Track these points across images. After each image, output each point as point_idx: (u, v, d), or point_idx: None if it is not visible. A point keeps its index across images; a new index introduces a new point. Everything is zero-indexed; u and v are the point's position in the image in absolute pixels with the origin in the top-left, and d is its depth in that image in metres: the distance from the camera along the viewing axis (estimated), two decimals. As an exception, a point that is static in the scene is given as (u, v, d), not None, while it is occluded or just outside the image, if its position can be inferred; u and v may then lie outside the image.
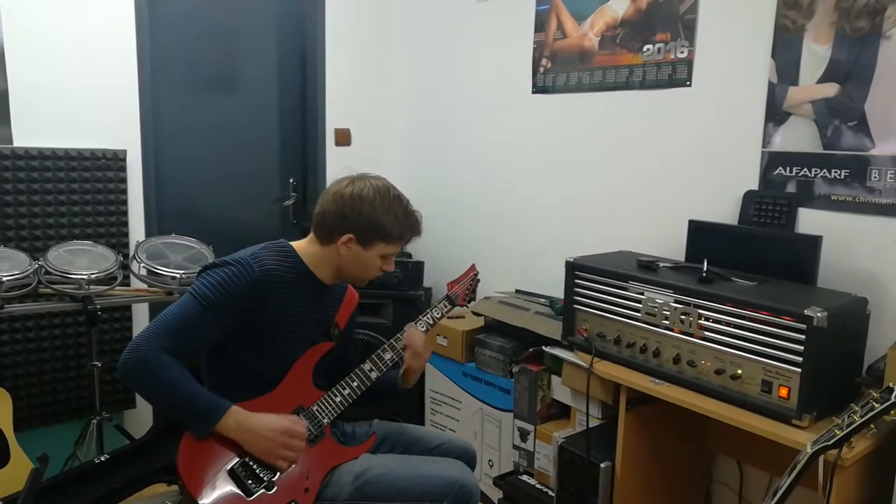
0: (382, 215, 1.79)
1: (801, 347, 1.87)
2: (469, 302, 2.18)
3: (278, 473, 1.71)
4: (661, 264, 2.39)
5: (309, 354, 1.84)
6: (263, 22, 3.58)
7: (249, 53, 3.54)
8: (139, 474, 2.15)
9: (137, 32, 3.04)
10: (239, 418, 1.67)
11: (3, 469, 2.43)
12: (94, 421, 2.65)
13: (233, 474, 1.67)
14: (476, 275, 2.19)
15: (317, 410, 1.82)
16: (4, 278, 2.39)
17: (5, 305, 2.43)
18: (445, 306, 2.06)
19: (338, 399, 1.85)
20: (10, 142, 2.77)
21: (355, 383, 1.87)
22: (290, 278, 1.79)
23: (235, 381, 1.78)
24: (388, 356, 1.92)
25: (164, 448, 2.15)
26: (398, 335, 1.97)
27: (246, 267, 1.72)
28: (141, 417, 3.18)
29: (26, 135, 2.80)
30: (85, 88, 2.93)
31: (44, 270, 2.50)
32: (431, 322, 2.02)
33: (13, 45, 2.74)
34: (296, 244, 1.87)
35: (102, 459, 2.22)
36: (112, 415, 2.80)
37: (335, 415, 1.84)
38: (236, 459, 1.69)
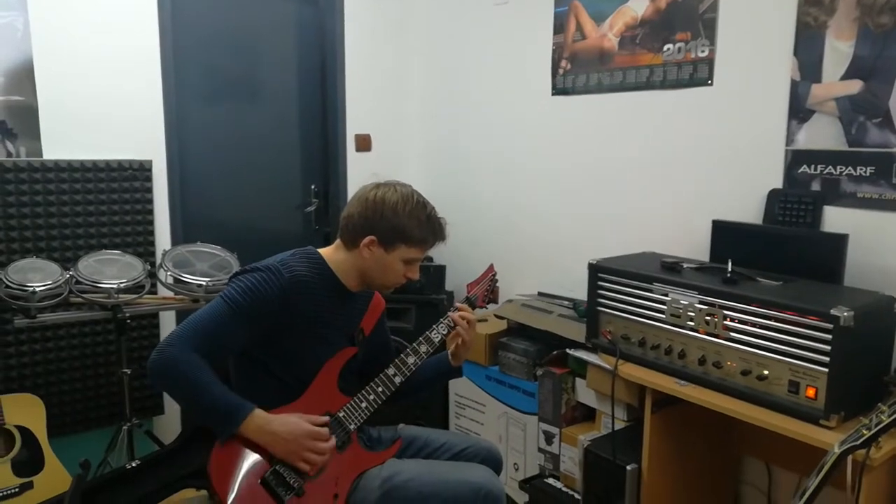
0: (405, 218, 1.81)
1: (828, 347, 1.85)
2: (488, 303, 2.19)
3: (308, 480, 1.73)
4: (685, 265, 2.38)
5: (334, 360, 1.86)
6: (284, 31, 3.62)
7: (270, 63, 3.58)
8: (169, 479, 2.18)
9: (161, 46, 3.09)
10: (260, 422, 1.69)
11: (38, 475, 2.49)
12: (125, 427, 2.70)
13: (263, 481, 1.69)
14: (494, 275, 2.19)
15: (343, 416, 1.84)
16: (38, 288, 2.44)
17: (38, 315, 2.49)
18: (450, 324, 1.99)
19: (363, 405, 1.86)
20: (40, 155, 2.84)
21: (380, 388, 1.89)
22: (317, 284, 1.82)
23: (263, 388, 1.81)
24: (411, 360, 1.92)
25: (194, 453, 2.18)
26: (444, 318, 1.97)
27: (276, 273, 1.75)
28: (170, 423, 3.23)
29: (55, 148, 2.86)
30: (111, 102, 2.99)
31: (74, 280, 2.56)
32: (452, 325, 2.00)
33: (42, 61, 2.80)
34: (323, 251, 1.89)
35: (133, 465, 2.26)
36: (142, 421, 2.85)
37: (361, 420, 1.86)
38: (267, 467, 1.71)
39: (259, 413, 1.70)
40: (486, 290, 2.17)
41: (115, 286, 2.58)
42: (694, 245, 2.60)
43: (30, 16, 2.76)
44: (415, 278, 1.92)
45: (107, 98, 2.97)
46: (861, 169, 2.23)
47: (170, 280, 2.73)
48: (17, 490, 2.43)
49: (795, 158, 2.39)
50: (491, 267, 2.22)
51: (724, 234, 2.47)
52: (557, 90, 3.19)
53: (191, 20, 3.26)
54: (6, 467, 2.44)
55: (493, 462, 2.02)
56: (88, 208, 2.93)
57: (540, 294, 3.18)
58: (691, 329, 2.18)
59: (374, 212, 1.81)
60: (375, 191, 1.84)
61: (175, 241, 3.17)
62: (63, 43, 2.85)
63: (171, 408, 3.21)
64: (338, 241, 1.89)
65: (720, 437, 2.45)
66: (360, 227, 1.82)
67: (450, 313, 1.98)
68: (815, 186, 2.34)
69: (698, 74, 2.63)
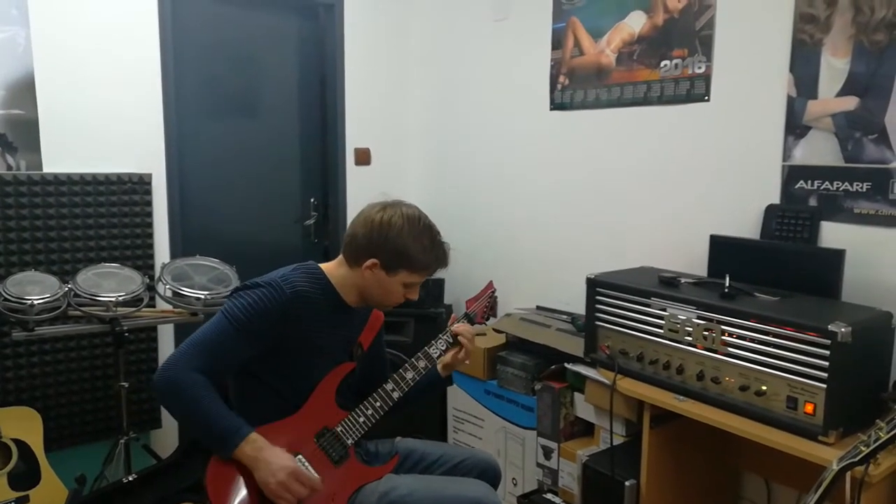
0: (409, 244, 1.80)
1: (826, 363, 1.85)
2: (487, 319, 2.19)
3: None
4: (683, 280, 2.38)
5: (332, 375, 1.86)
6: (284, 45, 3.64)
7: (270, 76, 3.60)
8: (166, 493, 2.18)
9: (162, 60, 3.11)
10: (256, 446, 1.67)
11: (34, 489, 2.48)
12: (122, 441, 2.69)
13: (260, 496, 1.69)
14: (493, 292, 2.20)
15: (341, 431, 1.83)
16: (36, 302, 2.44)
17: (36, 328, 2.49)
18: (449, 340, 2.00)
19: (361, 419, 1.86)
20: (40, 168, 2.84)
21: (378, 403, 1.88)
22: (318, 299, 1.82)
23: (261, 403, 1.80)
24: (409, 375, 1.92)
25: (191, 468, 2.18)
26: (442, 334, 1.97)
27: (276, 288, 1.75)
28: (167, 437, 3.22)
29: (55, 161, 2.87)
30: (111, 115, 3.00)
31: (73, 293, 2.55)
32: (451, 340, 2.01)
33: (43, 75, 2.82)
34: (324, 266, 1.89)
35: (130, 479, 2.25)
36: (139, 435, 2.84)
37: (359, 435, 1.86)
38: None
39: (256, 437, 1.68)
40: (486, 306, 2.17)
41: (113, 299, 2.58)
42: (692, 260, 2.60)
43: (31, 30, 2.78)
44: (414, 299, 1.92)
45: (107, 112, 2.99)
46: (858, 185, 2.24)
47: (168, 293, 2.73)
48: (13, 504, 2.43)
49: (792, 174, 2.40)
50: (490, 284, 2.22)
51: (722, 249, 2.48)
52: (555, 105, 3.21)
53: (191, 34, 3.28)
54: (2, 481, 2.43)
55: (492, 473, 2.02)
56: (88, 221, 2.94)
57: (538, 308, 3.18)
58: (689, 344, 2.18)
59: (378, 234, 1.80)
60: (382, 213, 1.82)
61: (174, 254, 3.17)
62: (64, 57, 2.87)
63: (169, 422, 3.20)
64: (340, 256, 1.89)
65: (719, 452, 2.45)
66: (363, 249, 1.82)
67: (451, 327, 1.98)
68: (812, 202, 2.35)
69: (695, 90, 2.65)
